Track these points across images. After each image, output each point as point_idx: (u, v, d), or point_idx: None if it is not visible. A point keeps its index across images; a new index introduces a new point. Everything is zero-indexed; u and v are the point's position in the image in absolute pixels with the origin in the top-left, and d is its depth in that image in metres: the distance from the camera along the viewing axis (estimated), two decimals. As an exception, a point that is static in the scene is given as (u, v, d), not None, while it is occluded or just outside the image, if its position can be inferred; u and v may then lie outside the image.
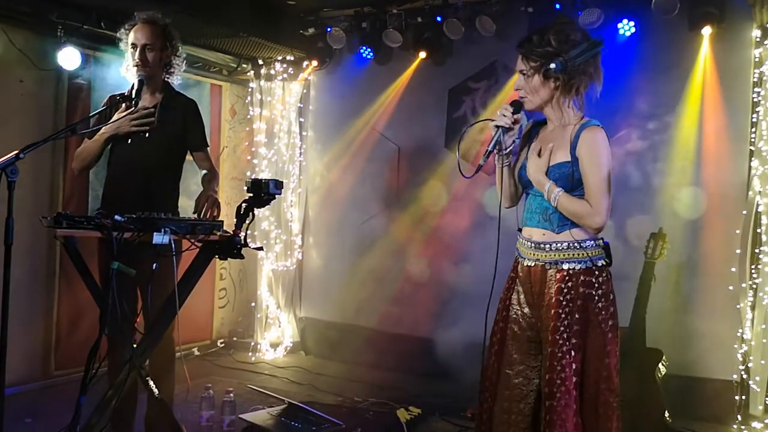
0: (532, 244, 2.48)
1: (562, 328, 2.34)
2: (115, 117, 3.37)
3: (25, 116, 4.47)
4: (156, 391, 3.12)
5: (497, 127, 2.44)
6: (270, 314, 5.97)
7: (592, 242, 2.41)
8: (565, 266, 2.39)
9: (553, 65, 2.33)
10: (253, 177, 3.73)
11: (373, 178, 5.72)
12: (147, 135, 3.43)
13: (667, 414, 3.83)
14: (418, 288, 5.39)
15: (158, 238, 2.71)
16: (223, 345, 6.05)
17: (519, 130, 2.52)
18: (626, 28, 4.52)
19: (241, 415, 3.46)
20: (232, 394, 3.76)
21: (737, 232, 4.14)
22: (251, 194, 2.86)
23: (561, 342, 2.33)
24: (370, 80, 5.65)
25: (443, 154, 5.36)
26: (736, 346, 4.13)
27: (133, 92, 3.32)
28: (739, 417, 4.03)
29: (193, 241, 2.91)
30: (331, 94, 6.00)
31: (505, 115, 2.43)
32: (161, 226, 2.73)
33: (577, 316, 2.35)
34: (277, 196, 2.89)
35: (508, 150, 2.52)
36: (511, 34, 4.97)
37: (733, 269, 4.15)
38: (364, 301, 5.64)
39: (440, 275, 5.30)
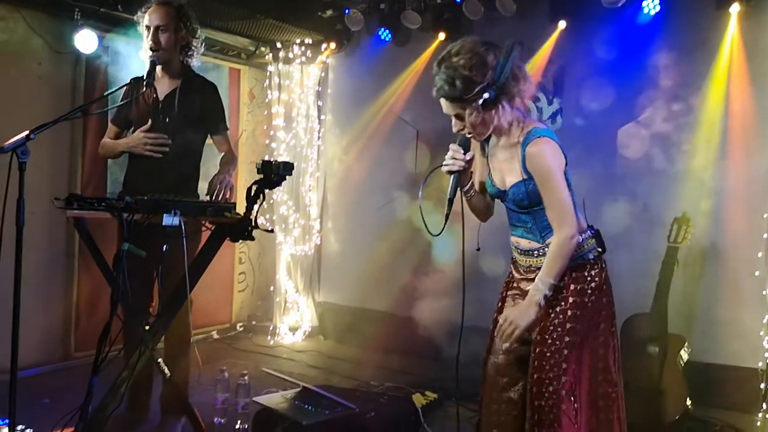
0: (521, 251, 2.45)
1: (551, 328, 2.30)
2: (135, 135, 3.43)
3: (43, 99, 4.48)
4: (168, 372, 3.13)
5: (452, 172, 2.38)
6: (288, 298, 5.98)
7: (579, 237, 2.34)
8: None
9: (486, 95, 2.21)
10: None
11: (391, 162, 5.66)
12: (167, 119, 3.43)
13: (689, 401, 3.75)
14: (437, 273, 5.34)
15: (168, 220, 2.70)
16: (242, 329, 6.07)
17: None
18: (651, 6, 4.40)
19: (254, 398, 3.45)
20: (246, 377, 3.76)
21: (765, 216, 4.02)
22: (262, 175, 2.82)
23: (550, 342, 2.29)
24: (389, 63, 5.58)
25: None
26: (761, 333, 4.02)
27: (146, 75, 3.31)
28: (764, 405, 3.93)
29: (204, 222, 2.90)
30: (349, 77, 5.95)
31: (456, 158, 2.36)
32: (171, 207, 2.71)
33: (569, 313, 2.29)
34: (287, 177, 2.85)
35: (469, 186, 2.47)
36: (531, 14, 4.89)
37: (760, 254, 4.04)
38: (382, 286, 5.61)
39: (459, 259, 5.23)
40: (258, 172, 2.84)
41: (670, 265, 3.91)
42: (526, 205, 2.34)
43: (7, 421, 2.68)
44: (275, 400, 3.38)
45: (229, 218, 2.90)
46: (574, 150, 4.66)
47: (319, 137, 5.99)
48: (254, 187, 2.84)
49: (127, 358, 3.13)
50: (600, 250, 2.38)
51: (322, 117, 6.02)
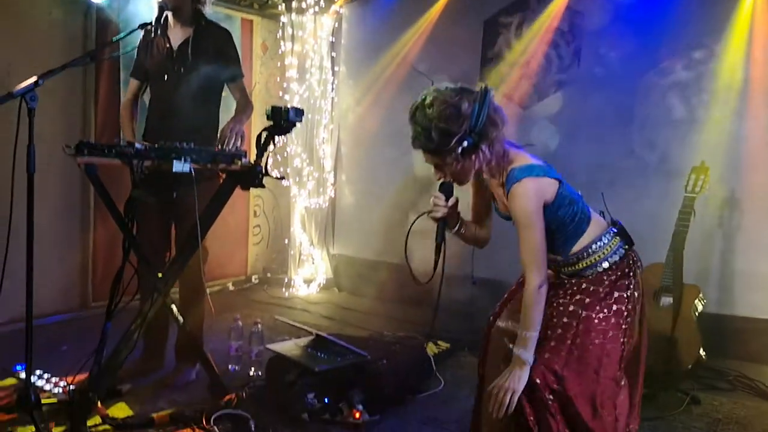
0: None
1: (555, 304, 2.26)
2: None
3: (54, 48, 4.43)
4: (180, 319, 3.17)
5: (437, 219, 2.32)
6: (303, 251, 6.00)
7: (600, 242, 2.29)
8: (586, 272, 2.31)
9: (465, 143, 2.14)
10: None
11: (406, 113, 5.55)
12: (182, 70, 3.40)
13: (702, 351, 3.74)
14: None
15: (178, 167, 2.70)
16: (257, 281, 6.11)
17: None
18: (673, -51, 4.27)
19: (268, 346, 3.48)
20: (259, 325, 3.80)
21: (785, 166, 3.96)
22: (271, 122, 2.80)
23: (548, 319, 2.23)
24: (403, 12, 5.46)
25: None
26: (778, 284, 4.00)
27: (154, 20, 3.28)
28: (778, 356, 3.93)
29: (214, 169, 2.89)
30: (363, 27, 5.84)
31: (438, 205, 2.30)
32: (180, 154, 2.70)
33: (577, 297, 2.26)
34: (297, 124, 2.82)
35: (458, 226, 2.40)
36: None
37: (780, 205, 3.99)
38: (396, 239, 5.59)
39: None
40: (268, 119, 2.82)
41: (687, 215, 3.85)
42: None
43: (24, 365, 2.73)
44: (288, 347, 3.41)
45: (239, 166, 2.89)
46: (593, 99, 4.64)
47: (332, 89, 5.92)
48: (264, 134, 2.82)
49: (143, 305, 3.17)
50: (627, 246, 2.32)
51: (336, 68, 5.94)
